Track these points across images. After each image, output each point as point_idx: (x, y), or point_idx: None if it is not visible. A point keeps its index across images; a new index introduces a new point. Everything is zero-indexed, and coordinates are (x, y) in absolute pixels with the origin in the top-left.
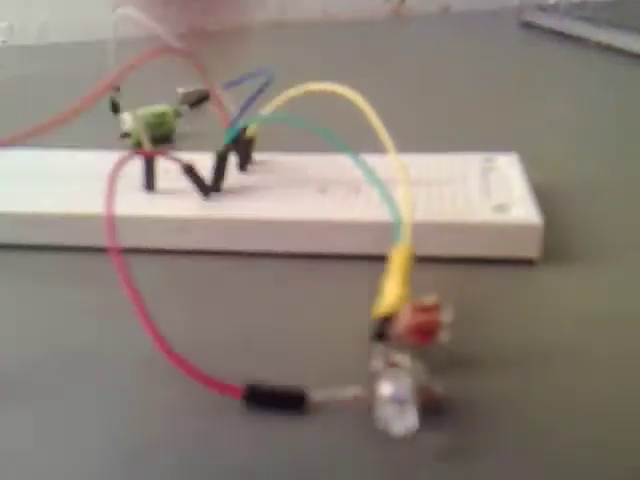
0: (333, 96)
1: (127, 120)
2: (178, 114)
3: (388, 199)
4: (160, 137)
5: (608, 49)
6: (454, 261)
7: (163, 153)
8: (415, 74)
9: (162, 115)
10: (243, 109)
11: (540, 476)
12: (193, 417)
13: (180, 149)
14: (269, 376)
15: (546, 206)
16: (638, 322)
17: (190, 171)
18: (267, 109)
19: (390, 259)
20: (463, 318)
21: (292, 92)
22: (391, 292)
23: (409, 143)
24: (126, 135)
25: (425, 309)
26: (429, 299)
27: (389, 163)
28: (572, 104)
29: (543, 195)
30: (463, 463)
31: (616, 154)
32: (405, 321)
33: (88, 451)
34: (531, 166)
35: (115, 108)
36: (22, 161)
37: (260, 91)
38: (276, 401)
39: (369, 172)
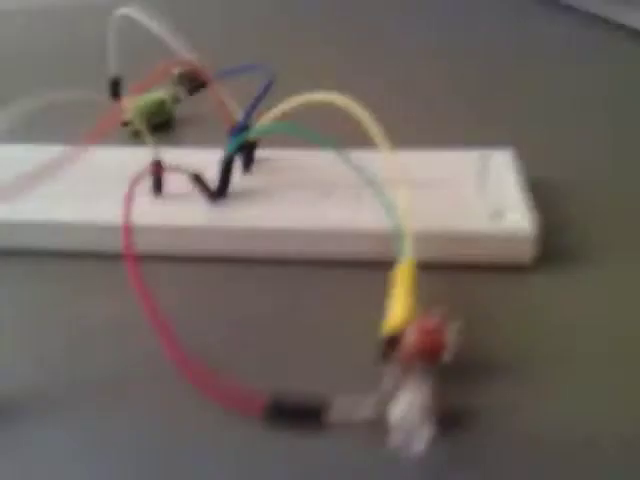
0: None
1: (127, 108)
2: (176, 100)
3: (391, 213)
4: (160, 124)
5: (620, 29)
6: (449, 266)
7: (172, 168)
8: (407, 56)
9: (161, 102)
10: (247, 115)
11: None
12: (215, 431)
13: (181, 136)
14: (284, 384)
15: (542, 204)
16: (632, 327)
17: (198, 180)
18: (268, 116)
19: (394, 277)
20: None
21: (291, 103)
22: (396, 312)
23: (404, 134)
24: (126, 124)
25: (430, 329)
26: (433, 319)
27: (387, 164)
28: (574, 91)
29: (539, 191)
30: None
31: (620, 148)
32: (411, 343)
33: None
34: (529, 160)
35: (116, 94)
36: (25, 158)
37: (264, 94)
38: (295, 417)
39: (375, 187)
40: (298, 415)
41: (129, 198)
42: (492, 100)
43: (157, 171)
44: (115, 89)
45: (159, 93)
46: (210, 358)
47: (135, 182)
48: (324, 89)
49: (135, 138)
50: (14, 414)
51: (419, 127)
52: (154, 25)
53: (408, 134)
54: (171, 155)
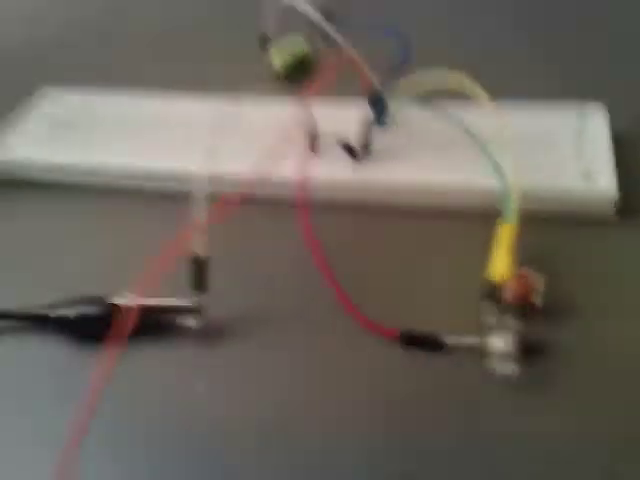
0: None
1: (276, 59)
2: (316, 48)
3: (502, 178)
4: (303, 68)
5: None
6: (542, 216)
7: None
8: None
9: (303, 51)
10: (386, 87)
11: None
12: (363, 351)
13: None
14: (410, 315)
15: (629, 159)
16: None
17: (346, 147)
18: (401, 91)
19: (500, 234)
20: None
21: (421, 83)
22: (500, 264)
23: (504, 85)
24: (277, 75)
25: (524, 281)
26: (528, 272)
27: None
28: None
29: (627, 146)
30: (542, 392)
31: None
32: (512, 289)
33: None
34: (621, 112)
35: (264, 46)
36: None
37: (402, 66)
38: (423, 343)
39: (487, 152)
40: (424, 341)
41: (304, 165)
42: (597, 49)
43: (314, 142)
44: (264, 43)
45: (300, 41)
46: (355, 290)
47: (308, 156)
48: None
49: (282, 84)
50: (222, 336)
51: (517, 78)
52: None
53: (508, 85)
54: (319, 112)
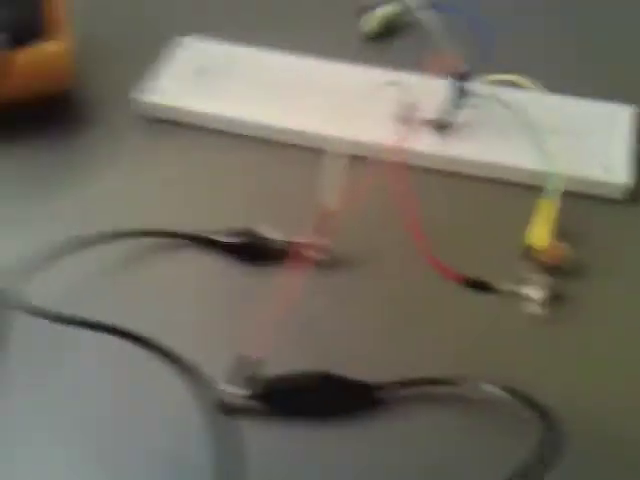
0: None
1: (368, 21)
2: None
3: (550, 161)
4: (388, 31)
5: None
6: (567, 194)
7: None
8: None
9: (393, 16)
10: (469, 71)
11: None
12: (431, 289)
13: (404, 43)
14: (465, 263)
15: None
16: None
17: (434, 121)
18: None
19: (541, 207)
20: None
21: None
22: (541, 231)
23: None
24: (368, 36)
25: (558, 247)
26: (558, 241)
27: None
28: None
29: None
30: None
31: None
32: (547, 254)
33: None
34: None
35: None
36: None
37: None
38: (480, 287)
39: (540, 137)
40: (480, 285)
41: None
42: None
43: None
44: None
45: (390, 7)
46: (433, 241)
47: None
48: None
49: (372, 41)
50: (338, 267)
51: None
52: None
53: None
54: (407, 81)
